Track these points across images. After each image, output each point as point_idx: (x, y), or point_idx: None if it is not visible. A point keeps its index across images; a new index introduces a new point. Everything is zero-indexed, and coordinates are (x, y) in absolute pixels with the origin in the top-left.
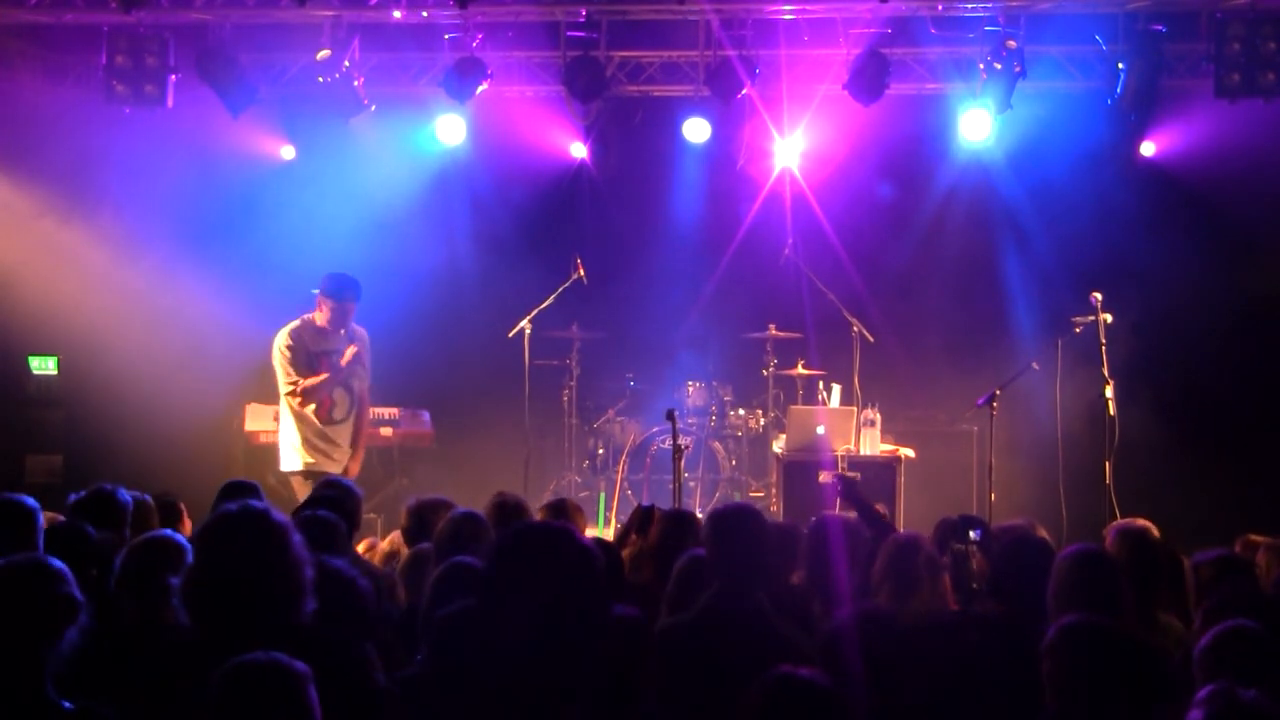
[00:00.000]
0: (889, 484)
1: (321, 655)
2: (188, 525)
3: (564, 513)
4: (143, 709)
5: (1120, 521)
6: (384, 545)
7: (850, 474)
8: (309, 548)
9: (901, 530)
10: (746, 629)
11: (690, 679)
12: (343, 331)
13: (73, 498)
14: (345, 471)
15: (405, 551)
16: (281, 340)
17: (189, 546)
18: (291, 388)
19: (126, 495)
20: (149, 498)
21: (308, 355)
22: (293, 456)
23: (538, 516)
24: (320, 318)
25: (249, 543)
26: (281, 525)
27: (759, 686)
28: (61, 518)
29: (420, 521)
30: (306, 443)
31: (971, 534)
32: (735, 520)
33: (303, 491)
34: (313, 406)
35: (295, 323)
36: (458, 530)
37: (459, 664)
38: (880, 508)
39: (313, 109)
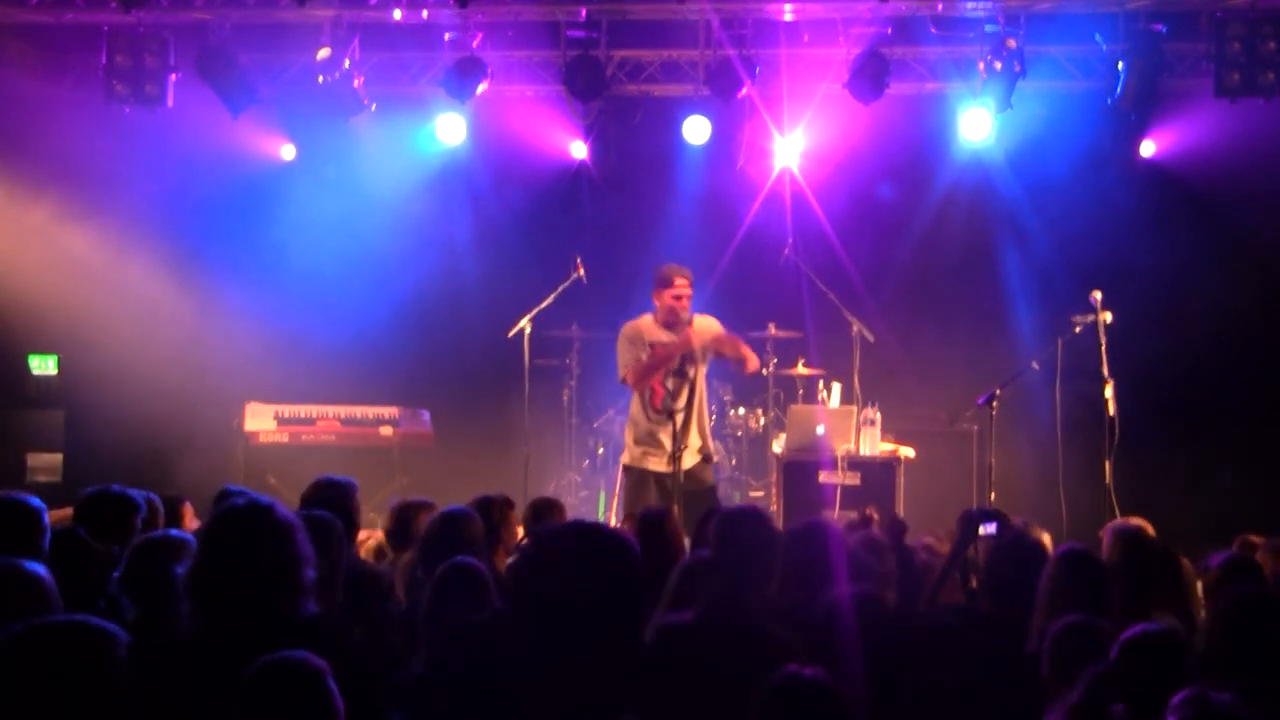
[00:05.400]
0: (889, 484)
1: (325, 649)
2: (192, 524)
3: (546, 512)
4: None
5: (1115, 521)
6: (371, 543)
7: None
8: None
9: None
10: (741, 631)
11: (684, 679)
12: (682, 322)
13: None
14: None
15: (388, 550)
16: (621, 331)
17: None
18: (624, 372)
19: (138, 495)
20: (156, 497)
21: (642, 344)
22: (626, 450)
23: (519, 520)
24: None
25: (255, 536)
26: (286, 520)
27: (765, 687)
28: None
29: (403, 523)
30: (635, 441)
31: (983, 528)
32: (741, 522)
33: (621, 490)
34: (648, 393)
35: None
36: (448, 528)
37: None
38: (871, 511)
39: (313, 109)
